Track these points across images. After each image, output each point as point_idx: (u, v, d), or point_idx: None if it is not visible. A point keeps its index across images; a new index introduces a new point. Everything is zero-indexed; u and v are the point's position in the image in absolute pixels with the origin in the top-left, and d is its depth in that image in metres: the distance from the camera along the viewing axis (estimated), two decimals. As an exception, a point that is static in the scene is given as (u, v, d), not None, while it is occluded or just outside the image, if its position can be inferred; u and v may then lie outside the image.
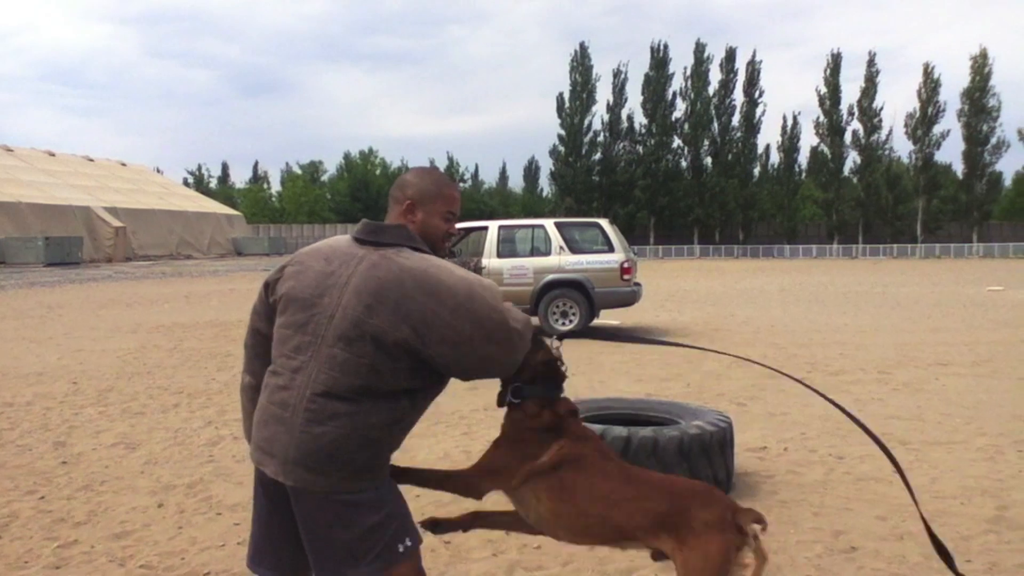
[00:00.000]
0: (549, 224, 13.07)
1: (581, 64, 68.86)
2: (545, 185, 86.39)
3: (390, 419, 2.14)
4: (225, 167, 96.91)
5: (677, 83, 69.09)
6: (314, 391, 2.06)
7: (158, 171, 69.41)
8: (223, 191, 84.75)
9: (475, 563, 3.85)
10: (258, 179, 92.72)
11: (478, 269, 12.67)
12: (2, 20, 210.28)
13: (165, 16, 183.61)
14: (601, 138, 69.46)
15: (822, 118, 66.81)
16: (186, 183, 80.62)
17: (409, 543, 2.20)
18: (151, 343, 11.73)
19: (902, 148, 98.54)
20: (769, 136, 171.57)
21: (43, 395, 7.96)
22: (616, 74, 69.29)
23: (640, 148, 69.29)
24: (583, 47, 69.17)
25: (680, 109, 69.03)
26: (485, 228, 13.43)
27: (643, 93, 68.79)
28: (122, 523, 4.38)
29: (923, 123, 65.00)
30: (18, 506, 4.68)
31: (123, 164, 62.19)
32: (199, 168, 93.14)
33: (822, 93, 67.04)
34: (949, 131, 65.24)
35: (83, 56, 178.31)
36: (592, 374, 9.10)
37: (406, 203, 2.33)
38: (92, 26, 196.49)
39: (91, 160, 58.51)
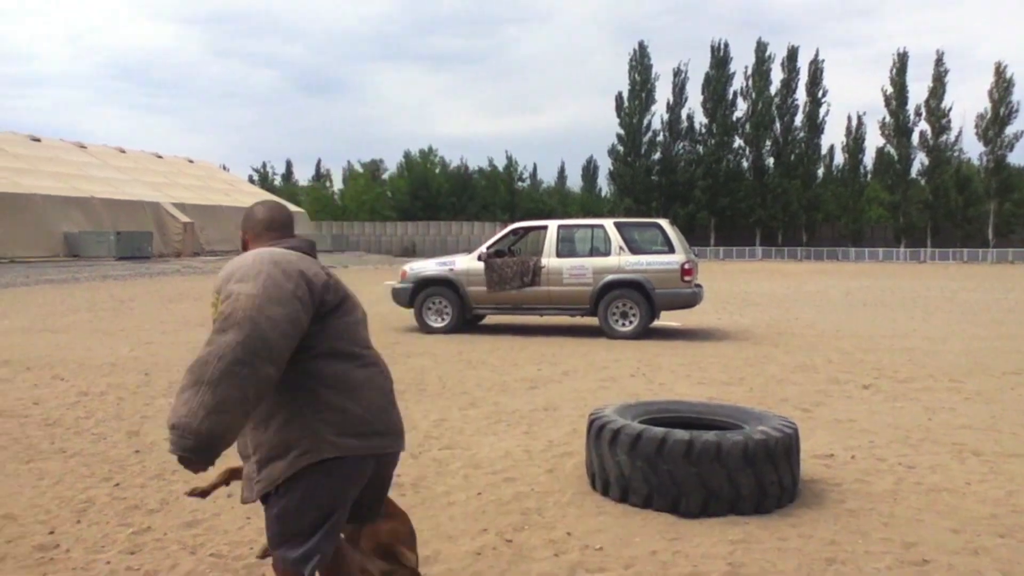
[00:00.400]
0: (609, 224, 13.01)
1: (640, 63, 68.32)
2: (604, 185, 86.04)
3: None
4: (289, 165, 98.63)
5: (738, 82, 68.23)
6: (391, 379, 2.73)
7: (224, 168, 70.88)
8: (287, 188, 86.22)
9: (536, 563, 3.85)
10: (320, 177, 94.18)
11: (537, 269, 12.68)
12: (77, 21, 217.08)
13: (229, 16, 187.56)
14: (661, 138, 68.89)
15: (888, 118, 65.21)
16: (251, 180, 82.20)
17: None
18: (218, 337, 12.00)
19: (972, 150, 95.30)
20: (833, 136, 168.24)
21: (116, 385, 8.22)
22: (676, 73, 68.67)
23: (700, 148, 68.52)
24: (642, 46, 68.65)
25: (741, 109, 68.13)
26: (544, 227, 13.42)
27: (703, 92, 68.01)
28: (193, 512, 4.49)
29: (995, 124, 62.95)
30: (95, 492, 4.84)
31: (190, 161, 63.66)
32: (264, 166, 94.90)
33: (888, 93, 65.43)
34: (1023, 133, 63.15)
35: (151, 55, 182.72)
36: (651, 376, 9.04)
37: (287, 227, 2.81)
38: (160, 26, 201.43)
39: (160, 157, 60.03)
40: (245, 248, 2.74)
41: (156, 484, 4.97)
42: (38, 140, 49.30)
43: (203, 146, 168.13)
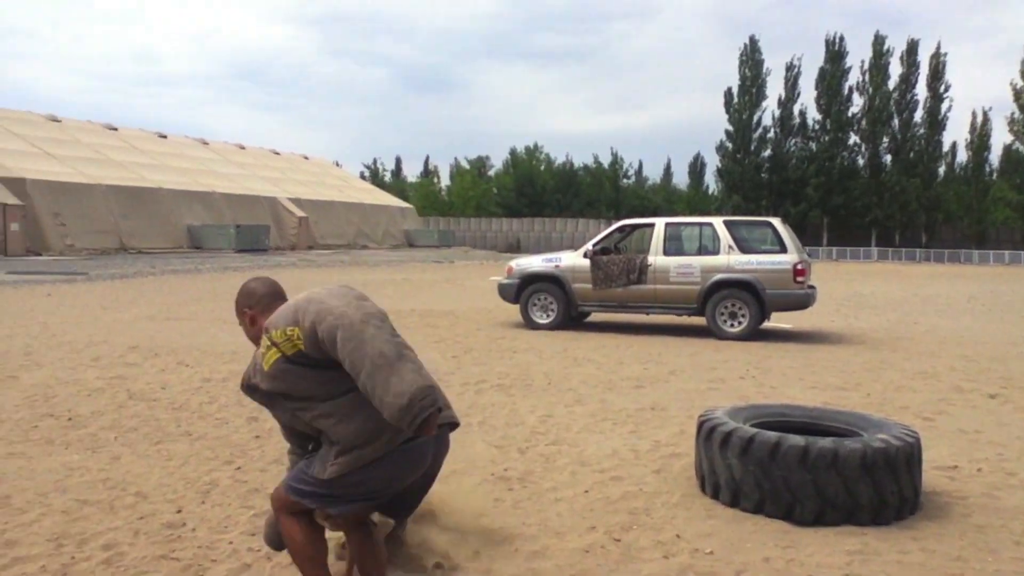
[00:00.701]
0: (718, 222, 12.77)
1: (751, 58, 66.58)
2: (711, 182, 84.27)
3: None
4: (398, 161, 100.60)
5: (854, 77, 65.43)
6: None
7: (337, 164, 72.93)
8: (396, 184, 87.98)
9: (645, 563, 3.82)
10: (428, 173, 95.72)
11: (644, 267, 12.57)
12: (200, 23, 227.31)
13: (343, 17, 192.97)
14: (771, 134, 66.98)
15: (1017, 114, 61.43)
16: (362, 176, 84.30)
17: None
18: (330, 328, 12.37)
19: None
20: (956, 133, 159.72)
21: (237, 373, 8.57)
22: (789, 68, 66.51)
23: (813, 145, 66.26)
24: (753, 40, 66.84)
25: (857, 104, 65.38)
26: (651, 225, 13.29)
27: (817, 88, 65.67)
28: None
29: None
30: (218, 475, 5.07)
31: (305, 158, 65.80)
32: (374, 162, 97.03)
33: (1018, 87, 61.63)
34: None
35: (268, 55, 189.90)
36: (762, 379, 8.83)
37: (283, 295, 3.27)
38: (276, 27, 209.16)
39: (277, 153, 62.26)
40: (253, 324, 3.20)
41: (275, 469, 5.16)
42: (164, 137, 51.89)
43: (317, 143, 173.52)
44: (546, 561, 3.83)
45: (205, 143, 55.38)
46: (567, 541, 4.07)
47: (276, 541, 3.38)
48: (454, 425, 3.12)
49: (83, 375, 8.30)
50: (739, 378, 8.86)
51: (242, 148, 58.61)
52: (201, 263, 30.81)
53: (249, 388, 3.14)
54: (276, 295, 3.23)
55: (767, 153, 67.05)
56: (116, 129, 48.82)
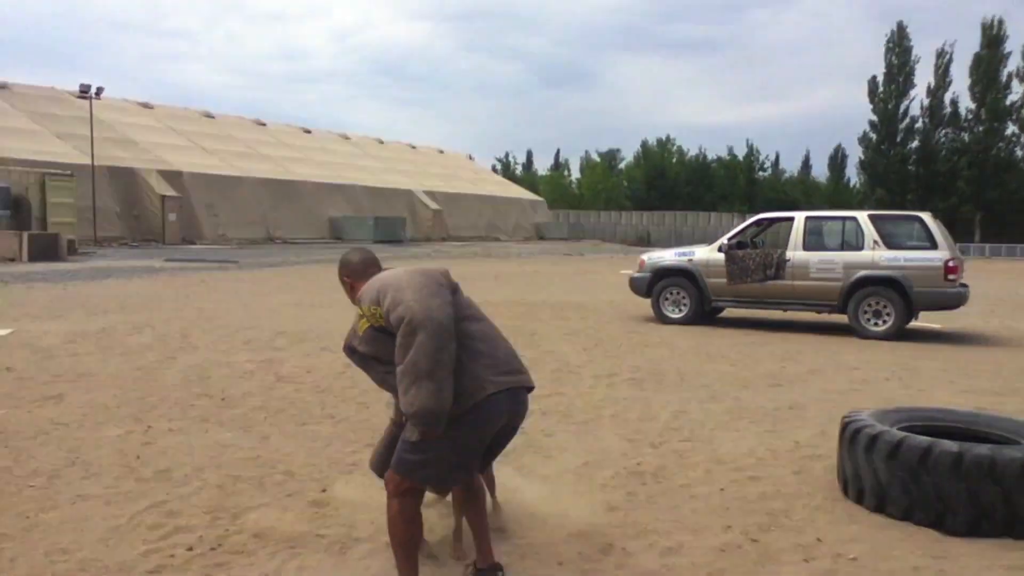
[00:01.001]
0: (862, 216, 12.23)
1: (898, 45, 63.22)
2: (852, 175, 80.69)
3: None
4: (530, 155, 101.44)
5: (1013, 63, 61.17)
6: None
7: (470, 158, 74.11)
8: (527, 178, 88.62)
9: (784, 566, 3.73)
10: (559, 166, 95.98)
11: (782, 262, 12.19)
12: (344, 21, 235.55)
13: (479, 13, 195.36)
14: (919, 124, 63.50)
15: None
16: (494, 169, 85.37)
17: None
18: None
19: None
20: None
21: (375, 359, 8.87)
22: (939, 55, 62.81)
23: (965, 135, 62.35)
24: (901, 26, 63.47)
25: (1016, 92, 61.04)
26: (791, 219, 12.86)
27: (971, 75, 61.64)
28: (446, 482, 4.77)
29: None
30: (360, 456, 5.26)
31: (441, 151, 67.24)
32: (507, 155, 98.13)
33: None
34: None
35: (407, 51, 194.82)
36: (909, 381, 8.42)
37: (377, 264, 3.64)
38: (416, 24, 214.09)
39: (413, 147, 63.90)
40: (353, 291, 3.52)
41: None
42: (309, 132, 54.16)
43: (452, 137, 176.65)
44: (681, 558, 3.80)
45: (346, 137, 57.45)
46: (702, 539, 4.02)
47: (379, 469, 3.75)
48: (530, 388, 3.38)
49: (235, 358, 8.79)
50: (884, 379, 8.48)
51: (381, 142, 60.49)
52: (341, 253, 31.92)
53: (349, 350, 3.45)
54: (369, 264, 3.58)
55: (914, 144, 63.63)
56: (265, 124, 51.34)
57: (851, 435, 4.54)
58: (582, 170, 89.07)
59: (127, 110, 42.34)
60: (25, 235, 24.05)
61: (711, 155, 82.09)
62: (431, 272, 3.26)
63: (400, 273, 3.23)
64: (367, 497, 4.52)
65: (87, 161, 32.36)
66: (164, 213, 34.59)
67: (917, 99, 63.85)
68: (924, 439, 4.24)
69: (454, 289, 3.29)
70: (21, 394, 6.85)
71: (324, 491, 4.66)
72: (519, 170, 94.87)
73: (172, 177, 36.19)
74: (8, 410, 6.34)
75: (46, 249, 24.12)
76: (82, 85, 34.18)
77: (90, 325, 10.92)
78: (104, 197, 33.10)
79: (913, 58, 63.10)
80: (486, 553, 3.51)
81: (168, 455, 5.28)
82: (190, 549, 3.81)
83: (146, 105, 44.73)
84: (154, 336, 10.16)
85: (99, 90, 34.55)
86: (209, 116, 47.87)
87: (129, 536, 3.95)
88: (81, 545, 3.82)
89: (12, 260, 23.18)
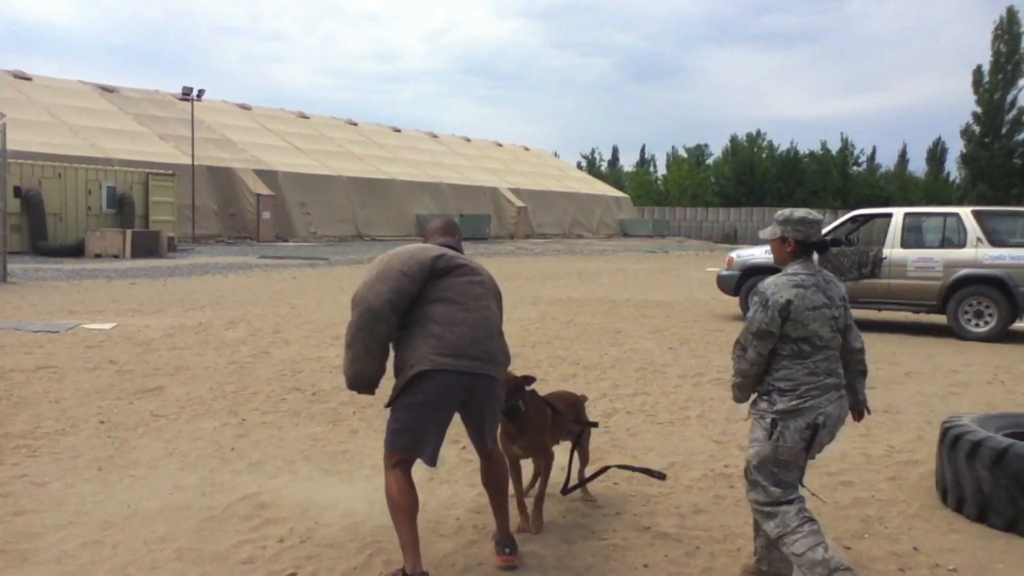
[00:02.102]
0: (965, 212, 11.72)
1: (1007, 32, 60.11)
2: (952, 169, 77.36)
3: None
4: (615, 151, 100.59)
5: None
6: (499, 322, 3.71)
7: (555, 155, 74.04)
8: (612, 174, 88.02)
9: (879, 575, 3.60)
10: (645, 163, 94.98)
11: (878, 260, 11.79)
12: (436, 20, 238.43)
13: (568, 9, 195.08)
14: (1029, 116, 60.37)
15: None
16: (579, 166, 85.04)
17: None
18: (549, 315, 12.62)
19: None
20: None
21: (460, 356, 8.94)
22: (1053, 42, 59.65)
23: (1080, 127, 59.05)
24: (1011, 12, 60.17)
25: None
26: (889, 215, 12.43)
27: (1089, 63, 58.43)
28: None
29: None
30: (444, 453, 5.25)
31: (526, 149, 67.34)
32: (592, 152, 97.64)
33: None
34: None
35: (496, 49, 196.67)
36: (1013, 385, 8.04)
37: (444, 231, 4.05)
38: (505, 22, 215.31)
39: (499, 145, 64.17)
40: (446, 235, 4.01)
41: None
42: (398, 131, 55.00)
43: (537, 134, 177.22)
44: (769, 563, 3.70)
45: (434, 136, 58.10)
46: (792, 545, 3.91)
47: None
48: (494, 378, 3.57)
49: (325, 352, 8.99)
50: (986, 383, 8.12)
51: (468, 140, 60.93)
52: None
53: None
54: (436, 231, 4.02)
55: (1021, 137, 60.56)
56: (356, 124, 52.34)
57: (952, 441, 4.36)
58: (668, 166, 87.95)
59: (226, 111, 43.76)
60: (128, 232, 25.11)
61: (803, 149, 79.91)
62: (404, 257, 3.55)
63: (387, 255, 3.61)
64: (451, 494, 4.57)
65: (187, 161, 33.59)
66: (259, 211, 35.63)
67: (1026, 89, 60.78)
68: (1031, 447, 4.04)
69: (438, 273, 3.55)
70: (123, 386, 7.16)
71: (410, 486, 4.71)
72: (604, 167, 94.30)
73: (267, 176, 37.25)
74: (111, 401, 6.63)
75: (148, 246, 25.15)
76: (185, 88, 35.49)
77: (188, 320, 11.34)
78: (202, 196, 34.31)
79: (1023, 46, 60.06)
80: (500, 527, 3.76)
81: (261, 447, 5.44)
82: (281, 541, 3.92)
83: (244, 106, 46.14)
84: (248, 331, 10.48)
85: (200, 92, 35.81)
86: (303, 117, 49.09)
87: (223, 527, 4.08)
88: (177, 535, 3.97)
89: (116, 256, 24.24)
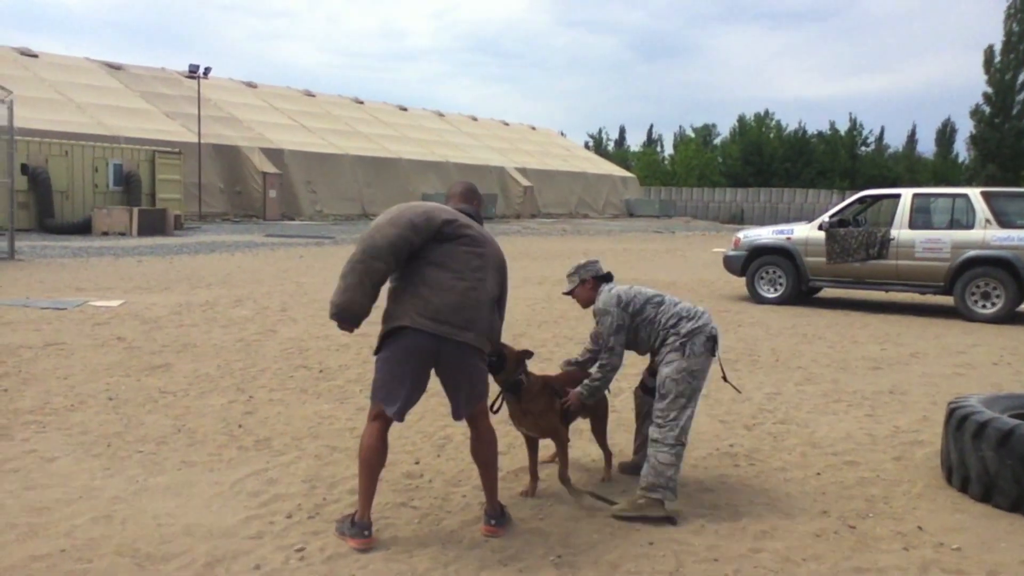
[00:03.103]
0: (974, 193, 11.66)
1: (1020, 11, 59.44)
2: (961, 150, 76.80)
3: None
4: (622, 131, 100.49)
5: None
6: (490, 295, 3.76)
7: (562, 134, 73.72)
8: (619, 154, 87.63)
9: (883, 554, 3.62)
10: (652, 142, 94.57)
11: (886, 240, 11.76)
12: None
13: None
14: (1039, 96, 59.83)
15: None
16: (586, 146, 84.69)
17: None
18: (555, 295, 12.62)
19: None
20: None
21: (466, 335, 8.95)
22: (1066, 21, 58.99)
23: (1093, 107, 58.56)
24: (1025, -9, 59.76)
25: None
26: (897, 196, 12.37)
27: (1103, 43, 57.79)
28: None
29: None
30: (451, 431, 5.34)
31: (533, 128, 67.04)
32: (599, 131, 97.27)
33: None
34: None
35: (503, 28, 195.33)
36: (1020, 367, 8.05)
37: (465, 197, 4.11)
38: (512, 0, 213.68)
39: (506, 124, 63.89)
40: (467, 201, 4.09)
41: (505, 429, 5.34)
42: (405, 110, 54.78)
43: (544, 113, 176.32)
44: (775, 542, 3.73)
45: (441, 115, 57.86)
46: (798, 524, 3.94)
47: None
48: (469, 345, 3.66)
49: (332, 331, 9.00)
50: (992, 364, 8.11)
51: (474, 119, 60.66)
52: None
53: None
54: (456, 195, 4.10)
55: (1032, 117, 60.08)
56: (363, 103, 52.14)
57: (958, 421, 4.36)
58: (675, 146, 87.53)
59: (232, 89, 43.60)
60: (135, 210, 25.12)
61: (811, 130, 79.41)
62: (419, 211, 3.67)
63: (403, 206, 3.76)
64: (458, 471, 4.60)
65: (194, 139, 33.52)
66: (265, 190, 35.60)
67: (1038, 70, 60.16)
68: (1037, 428, 4.04)
69: (442, 237, 3.66)
70: (131, 363, 7.19)
71: (417, 463, 4.75)
72: (611, 146, 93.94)
73: (273, 154, 37.19)
74: (119, 378, 6.67)
75: (154, 224, 25.16)
76: (191, 65, 35.31)
77: (195, 297, 11.38)
78: (209, 174, 34.27)
79: (1036, 25, 59.40)
80: (489, 499, 3.88)
81: (268, 425, 5.47)
82: (289, 516, 3.95)
83: (250, 84, 45.97)
84: (255, 309, 10.51)
85: (207, 70, 35.66)
86: (310, 95, 48.90)
87: (231, 502, 4.12)
88: (186, 510, 4.00)
89: (123, 234, 24.28)
